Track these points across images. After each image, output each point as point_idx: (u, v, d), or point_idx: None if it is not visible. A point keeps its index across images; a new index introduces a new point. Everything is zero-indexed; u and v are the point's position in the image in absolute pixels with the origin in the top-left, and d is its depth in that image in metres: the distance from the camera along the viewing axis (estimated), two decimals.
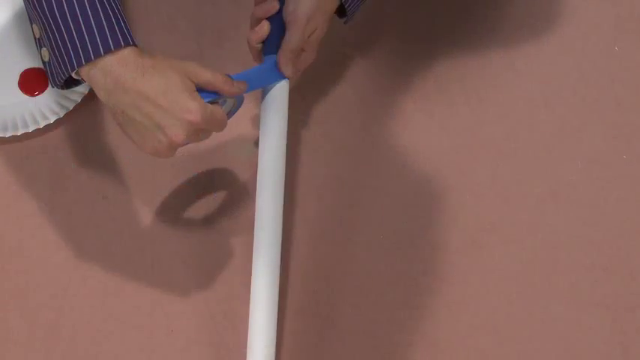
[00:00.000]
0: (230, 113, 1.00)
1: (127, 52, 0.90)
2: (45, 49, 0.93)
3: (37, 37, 0.94)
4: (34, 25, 0.94)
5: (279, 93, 1.02)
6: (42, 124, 1.10)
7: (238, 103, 0.99)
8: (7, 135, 1.10)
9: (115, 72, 0.89)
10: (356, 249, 1.07)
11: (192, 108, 0.89)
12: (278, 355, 1.01)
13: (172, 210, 1.08)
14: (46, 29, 0.92)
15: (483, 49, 1.14)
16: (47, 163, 1.10)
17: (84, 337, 1.05)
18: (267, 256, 0.98)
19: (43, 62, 0.95)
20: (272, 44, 1.02)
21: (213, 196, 1.09)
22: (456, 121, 1.11)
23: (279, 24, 1.01)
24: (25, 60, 1.13)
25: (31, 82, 1.12)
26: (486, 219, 1.07)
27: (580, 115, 1.11)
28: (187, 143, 0.93)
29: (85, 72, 0.91)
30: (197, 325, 1.05)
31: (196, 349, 1.04)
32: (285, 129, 1.01)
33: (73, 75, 0.92)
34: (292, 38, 1.00)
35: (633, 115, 1.11)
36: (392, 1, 1.16)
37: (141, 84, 0.89)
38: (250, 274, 1.04)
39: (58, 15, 0.90)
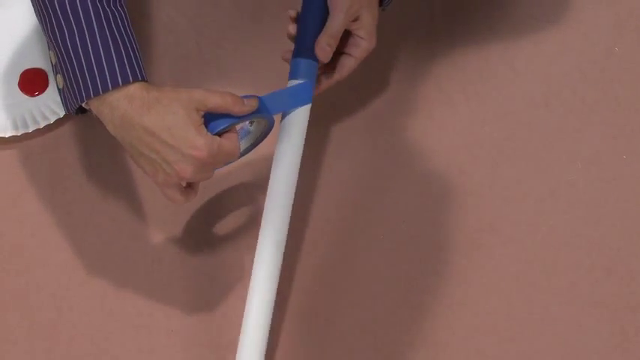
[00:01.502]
0: (263, 134, 0.99)
1: (133, 89, 0.90)
2: (60, 75, 0.94)
3: (53, 63, 0.95)
4: (50, 52, 0.95)
5: (301, 117, 1.00)
6: (42, 124, 1.10)
7: (270, 123, 0.98)
8: (7, 135, 1.10)
9: (121, 108, 0.90)
10: (356, 249, 1.07)
11: (198, 144, 0.89)
12: (278, 355, 1.02)
13: (172, 210, 1.08)
14: (60, 58, 0.92)
15: (483, 49, 1.13)
16: (47, 163, 1.10)
17: (84, 337, 1.05)
18: (269, 256, 0.97)
19: (58, 88, 0.95)
20: (302, 46, 1.00)
21: (215, 196, 1.09)
22: (456, 121, 1.11)
23: (313, 23, 1.00)
24: (25, 60, 1.13)
25: (31, 82, 1.12)
26: (486, 219, 1.07)
27: (580, 116, 1.11)
28: (202, 179, 0.93)
29: (95, 106, 0.92)
30: (197, 325, 1.05)
31: (196, 349, 1.04)
32: (301, 151, 1.00)
33: (84, 105, 0.93)
34: (333, 22, 0.98)
35: (633, 115, 1.11)
36: (392, 1, 1.16)
37: (147, 120, 0.89)
38: (251, 275, 1.04)
39: (70, 46, 0.91)
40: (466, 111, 1.11)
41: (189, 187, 0.95)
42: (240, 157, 0.99)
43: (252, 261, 1.05)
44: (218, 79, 1.13)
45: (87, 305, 1.06)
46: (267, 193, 0.98)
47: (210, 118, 0.92)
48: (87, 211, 1.09)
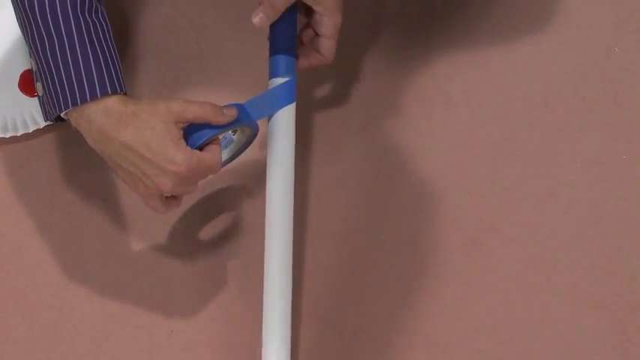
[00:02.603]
0: (247, 141, 0.99)
1: (111, 102, 0.89)
2: (39, 83, 0.93)
3: (34, 70, 0.94)
4: (31, 59, 0.94)
5: (287, 117, 0.99)
6: (42, 125, 1.10)
7: (254, 130, 0.97)
8: (7, 135, 1.10)
9: (98, 122, 0.89)
10: (356, 249, 1.07)
11: (177, 159, 0.88)
12: None
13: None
14: (39, 66, 0.91)
15: (483, 49, 1.13)
16: (47, 163, 1.10)
17: (84, 338, 1.05)
18: (279, 262, 0.97)
19: (38, 96, 0.95)
20: (280, 42, 0.99)
21: (214, 196, 1.09)
22: (456, 121, 1.11)
23: (289, 22, 0.99)
24: (25, 60, 1.13)
25: (31, 83, 1.12)
26: (486, 219, 1.07)
27: (580, 116, 1.11)
28: (184, 193, 0.93)
29: (73, 118, 0.91)
30: (197, 325, 1.05)
31: (196, 349, 1.04)
32: (293, 151, 0.99)
33: (62, 116, 0.92)
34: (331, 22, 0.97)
35: (633, 115, 1.11)
36: (391, 1, 1.16)
37: (124, 135, 0.88)
38: (250, 275, 1.04)
39: (50, 56, 0.90)
40: (466, 111, 1.11)
41: (172, 197, 0.94)
42: (225, 165, 0.99)
43: (252, 260, 1.06)
44: (218, 79, 1.13)
45: (87, 305, 1.06)
46: (266, 199, 0.98)
47: (190, 130, 0.91)
48: (87, 211, 1.09)
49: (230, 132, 0.97)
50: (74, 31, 0.90)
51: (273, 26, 0.99)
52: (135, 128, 0.88)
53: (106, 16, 0.94)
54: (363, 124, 1.11)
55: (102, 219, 1.08)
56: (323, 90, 1.12)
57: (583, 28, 1.14)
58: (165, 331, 1.05)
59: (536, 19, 1.15)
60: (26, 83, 1.13)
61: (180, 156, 0.88)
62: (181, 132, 0.90)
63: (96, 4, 0.93)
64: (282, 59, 0.99)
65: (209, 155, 0.91)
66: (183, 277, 1.06)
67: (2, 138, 1.10)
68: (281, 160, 0.98)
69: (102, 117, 0.89)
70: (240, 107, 0.94)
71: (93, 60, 0.90)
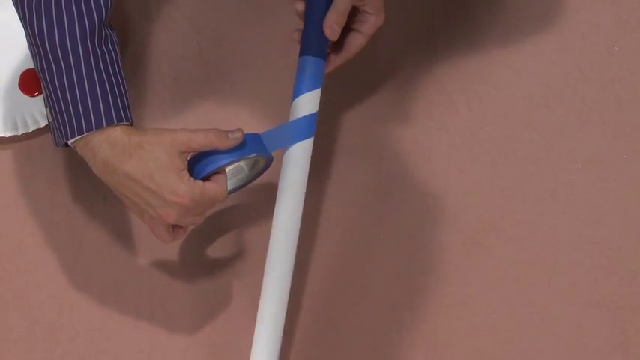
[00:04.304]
0: (260, 171, 0.98)
1: (115, 134, 0.89)
2: (48, 110, 0.93)
3: (44, 96, 0.94)
4: (42, 83, 0.94)
5: (304, 151, 0.98)
6: (42, 124, 1.10)
7: (268, 161, 0.96)
8: (7, 135, 1.10)
9: (102, 153, 0.89)
10: (355, 249, 1.07)
11: (180, 192, 0.88)
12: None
13: None
14: (47, 93, 0.92)
15: (483, 49, 1.13)
16: (47, 163, 1.10)
17: (84, 337, 1.05)
18: (280, 264, 0.97)
19: (48, 122, 0.95)
20: (310, 43, 0.99)
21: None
22: (456, 121, 1.11)
23: (317, 23, 0.98)
24: (25, 60, 1.13)
25: (31, 82, 1.12)
26: (486, 219, 1.07)
27: (580, 115, 1.11)
28: (190, 224, 0.93)
29: (79, 147, 0.91)
30: (197, 325, 1.05)
31: (196, 349, 1.04)
32: (305, 186, 0.98)
33: (69, 145, 0.92)
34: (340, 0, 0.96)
35: (633, 115, 1.11)
36: (392, 1, 1.16)
37: (128, 167, 0.88)
38: (249, 274, 1.04)
39: (57, 84, 0.90)
40: (466, 111, 1.11)
41: (178, 226, 0.94)
42: (233, 193, 0.99)
43: (252, 258, 1.06)
44: (218, 80, 1.13)
45: (87, 305, 1.06)
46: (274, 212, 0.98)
47: (196, 160, 0.91)
48: (87, 211, 1.09)
49: (242, 161, 0.96)
50: (82, 60, 0.90)
51: (307, 23, 0.99)
52: (138, 159, 0.88)
53: (116, 44, 0.94)
54: (363, 124, 1.11)
55: (102, 219, 1.08)
56: (323, 90, 1.12)
57: (583, 27, 1.14)
58: (165, 331, 1.05)
59: (536, 19, 1.15)
60: (26, 83, 1.13)
61: (183, 188, 0.88)
62: (186, 163, 0.90)
63: (106, 33, 0.93)
64: (311, 60, 0.98)
65: (214, 186, 0.91)
66: (183, 276, 1.06)
67: (2, 138, 1.10)
68: (292, 194, 0.97)
69: (106, 149, 0.89)
70: (255, 137, 0.93)
71: (100, 90, 0.90)
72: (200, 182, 0.90)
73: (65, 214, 1.09)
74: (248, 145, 0.92)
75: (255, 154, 0.93)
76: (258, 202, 1.08)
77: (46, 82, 0.91)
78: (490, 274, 1.06)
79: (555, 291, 1.05)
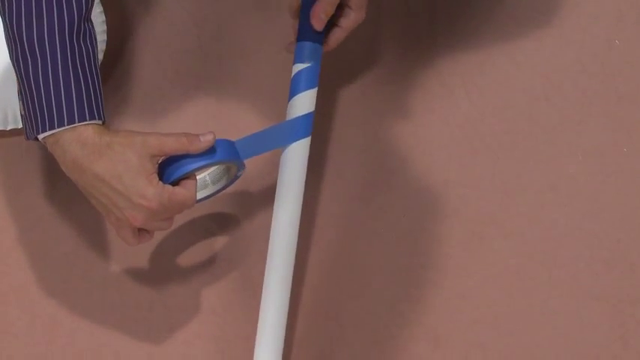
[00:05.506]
0: (233, 179, 0.98)
1: (87, 133, 0.88)
2: (21, 102, 0.91)
3: (17, 89, 0.92)
4: (16, 76, 0.91)
5: (301, 150, 0.99)
6: None
7: (239, 167, 0.95)
8: (8, 128, 1.10)
9: (72, 152, 0.88)
10: (356, 242, 1.07)
11: (148, 194, 0.87)
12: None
13: None
14: (21, 86, 0.90)
15: (484, 43, 1.13)
16: (48, 156, 1.10)
17: (84, 332, 1.05)
18: (280, 268, 0.97)
19: (21, 114, 0.93)
20: (307, 28, 1.01)
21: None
22: (457, 114, 1.11)
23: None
24: None
25: None
26: (486, 212, 1.07)
27: (580, 109, 1.11)
28: (157, 228, 0.92)
29: (50, 144, 0.90)
30: (197, 318, 1.05)
31: (197, 342, 1.04)
32: (303, 185, 0.99)
33: (40, 140, 0.91)
34: None
35: (633, 108, 1.11)
36: None
37: (97, 167, 0.87)
38: (249, 267, 1.04)
39: (32, 77, 0.88)
40: (467, 104, 1.11)
41: (144, 229, 0.93)
42: (207, 199, 0.99)
43: (253, 256, 1.06)
44: (218, 73, 1.13)
45: (87, 299, 1.06)
46: (273, 214, 0.99)
47: (166, 164, 0.90)
48: (87, 205, 1.08)
49: (216, 167, 0.96)
50: (59, 55, 0.88)
51: (303, 14, 1.01)
52: (108, 160, 0.87)
53: (94, 39, 0.92)
54: (364, 117, 1.11)
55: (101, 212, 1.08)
56: (325, 84, 1.12)
57: (583, 20, 1.14)
58: (165, 325, 1.05)
59: (536, 13, 1.15)
60: None
61: (151, 191, 0.87)
62: (156, 166, 0.89)
63: (85, 28, 0.91)
64: (307, 45, 1.01)
65: (182, 190, 0.90)
66: (183, 271, 1.06)
67: (3, 131, 1.10)
68: (290, 194, 0.98)
69: (76, 148, 0.88)
70: (228, 143, 0.92)
71: (74, 86, 0.88)
72: (169, 186, 0.89)
73: (66, 208, 1.09)
74: (220, 151, 0.91)
75: (226, 160, 0.93)
76: (258, 197, 1.08)
77: (21, 75, 0.89)
78: (490, 267, 1.06)
79: (555, 284, 1.05)
